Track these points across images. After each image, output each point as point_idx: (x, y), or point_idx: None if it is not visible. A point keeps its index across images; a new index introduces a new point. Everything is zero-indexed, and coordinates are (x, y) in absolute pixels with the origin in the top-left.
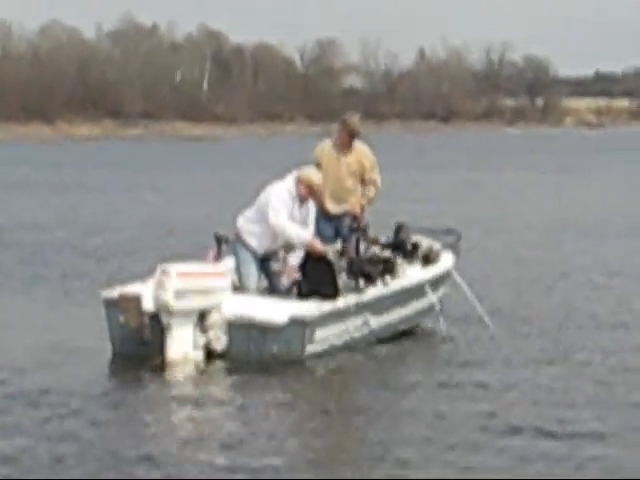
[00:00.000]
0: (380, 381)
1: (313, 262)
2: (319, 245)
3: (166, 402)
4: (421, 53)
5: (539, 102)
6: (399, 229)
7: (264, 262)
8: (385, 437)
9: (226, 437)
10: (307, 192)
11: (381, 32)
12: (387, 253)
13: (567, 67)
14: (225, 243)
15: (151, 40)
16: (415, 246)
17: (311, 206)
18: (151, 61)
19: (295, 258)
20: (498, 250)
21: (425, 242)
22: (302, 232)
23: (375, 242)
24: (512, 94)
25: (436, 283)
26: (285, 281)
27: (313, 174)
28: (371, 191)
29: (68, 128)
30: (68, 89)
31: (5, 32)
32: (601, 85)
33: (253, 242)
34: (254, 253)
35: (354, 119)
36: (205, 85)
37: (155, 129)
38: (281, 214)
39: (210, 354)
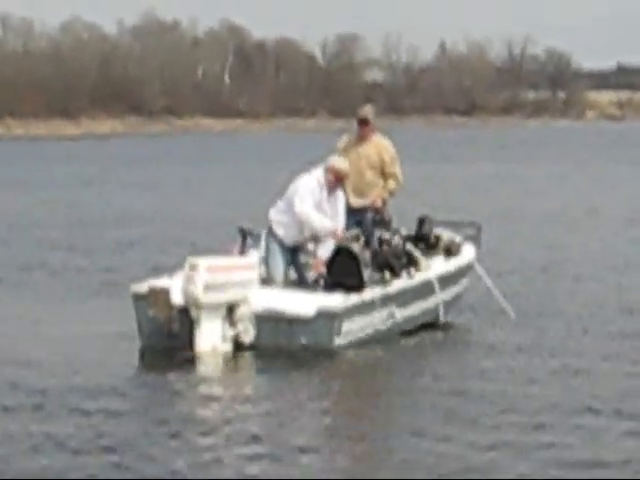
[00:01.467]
0: (409, 372)
1: (338, 254)
2: (342, 234)
3: (195, 395)
4: (442, 47)
5: (561, 95)
6: (422, 222)
7: (293, 253)
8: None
9: (255, 430)
10: (335, 179)
11: (402, 26)
12: (410, 246)
13: (589, 60)
14: (250, 236)
15: (173, 35)
16: (437, 239)
17: (340, 196)
18: (173, 57)
19: (325, 251)
20: (520, 241)
21: (446, 235)
22: (325, 220)
23: (396, 235)
24: (534, 87)
25: (459, 275)
26: (312, 274)
27: (340, 161)
28: (391, 184)
29: (91, 124)
30: (90, 86)
31: (26, 29)
32: (623, 78)
33: (281, 232)
34: (282, 244)
35: (364, 107)
36: (227, 80)
37: (178, 125)
38: (306, 202)
39: (239, 346)
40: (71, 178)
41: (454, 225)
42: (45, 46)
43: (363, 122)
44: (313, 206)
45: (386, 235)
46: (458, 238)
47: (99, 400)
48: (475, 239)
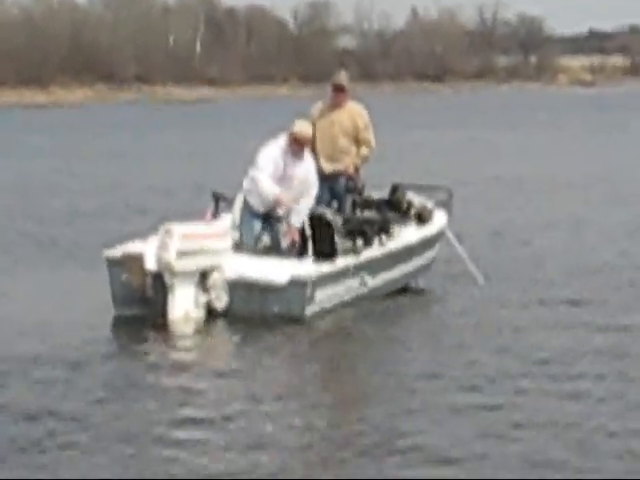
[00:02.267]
0: (378, 336)
1: (311, 221)
2: (286, 199)
3: (166, 362)
4: (414, 13)
5: (533, 60)
6: (395, 189)
7: (267, 220)
8: (389, 389)
9: (223, 397)
10: (297, 144)
11: None
12: (382, 213)
13: (561, 25)
14: (222, 200)
15: (144, 4)
16: (409, 205)
17: (309, 163)
18: (144, 25)
19: (297, 219)
20: (489, 207)
21: (418, 200)
22: (273, 187)
23: (369, 200)
24: (506, 53)
25: (430, 242)
26: (284, 242)
27: (301, 125)
28: (364, 151)
29: (62, 93)
30: (61, 54)
31: None
32: (595, 43)
33: (252, 200)
34: (255, 211)
35: (339, 74)
36: (198, 48)
37: (149, 92)
38: (262, 170)
39: (211, 313)
40: (38, 147)
41: (426, 189)
42: (16, 15)
43: (338, 88)
44: (274, 173)
45: (358, 201)
46: (430, 204)
47: (64, 369)
48: (446, 205)
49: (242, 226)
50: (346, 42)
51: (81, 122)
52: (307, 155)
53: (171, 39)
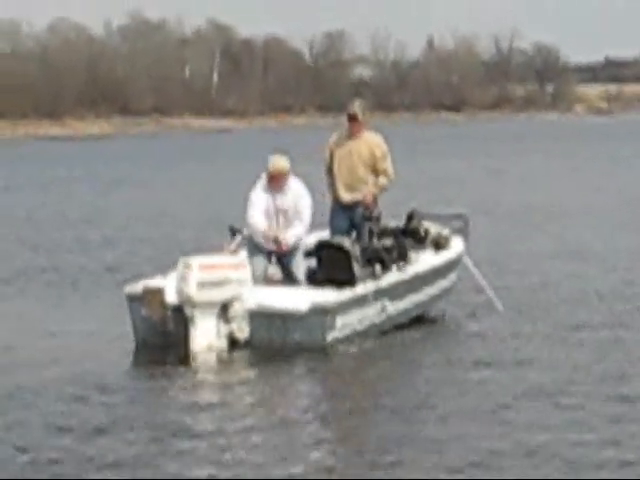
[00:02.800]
0: (400, 366)
1: (329, 250)
2: (272, 233)
3: (189, 392)
4: (430, 43)
5: (549, 89)
6: (411, 217)
7: (271, 254)
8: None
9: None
10: (274, 180)
11: (390, 23)
12: (399, 240)
13: (577, 54)
14: (239, 234)
15: (160, 35)
16: (426, 232)
17: (295, 190)
18: (160, 56)
19: (291, 235)
20: (508, 234)
21: (434, 228)
22: (260, 223)
23: (386, 229)
24: (522, 82)
25: (448, 268)
26: (299, 273)
27: (272, 161)
28: (382, 180)
29: (78, 125)
30: (77, 86)
31: (14, 30)
32: (611, 71)
33: (255, 236)
34: (259, 246)
35: (352, 104)
36: (215, 79)
37: (166, 124)
38: (250, 210)
39: (234, 343)
40: (54, 179)
41: (442, 218)
42: (32, 47)
43: (352, 118)
44: (265, 212)
45: (376, 229)
46: (446, 231)
47: (90, 398)
48: (463, 231)
49: (250, 261)
50: (362, 72)
51: (97, 154)
52: (291, 184)
53: (188, 70)
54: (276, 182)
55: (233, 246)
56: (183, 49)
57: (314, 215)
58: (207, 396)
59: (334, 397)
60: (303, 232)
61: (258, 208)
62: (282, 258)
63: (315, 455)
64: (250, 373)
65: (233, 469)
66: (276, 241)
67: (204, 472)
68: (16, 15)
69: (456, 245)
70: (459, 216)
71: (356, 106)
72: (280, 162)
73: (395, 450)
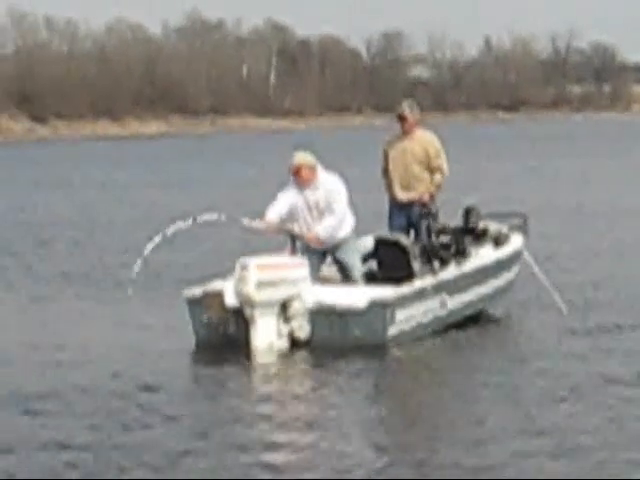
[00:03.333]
0: (459, 368)
1: (386, 248)
2: (270, 226)
3: (252, 393)
4: (487, 43)
5: (607, 89)
6: (468, 212)
7: (327, 254)
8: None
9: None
10: (296, 175)
11: (447, 22)
12: (458, 237)
13: (634, 53)
14: (298, 240)
15: (217, 35)
16: (484, 230)
17: (324, 184)
18: (217, 56)
19: (322, 229)
20: (568, 234)
21: (493, 226)
22: (254, 222)
23: (445, 228)
24: (579, 81)
25: (508, 263)
26: (356, 272)
27: (295, 157)
28: (438, 178)
29: (136, 125)
30: (135, 86)
31: (71, 31)
32: None
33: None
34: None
35: (402, 103)
36: (272, 79)
37: (223, 124)
38: (269, 207)
39: (295, 343)
40: (113, 179)
41: (500, 217)
42: (90, 47)
43: (401, 118)
44: (290, 208)
45: (434, 226)
46: (505, 228)
47: (156, 400)
48: (523, 229)
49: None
50: (419, 72)
51: (156, 154)
52: (320, 177)
53: (245, 70)
54: (301, 177)
55: (289, 251)
56: (240, 49)
57: (372, 216)
58: (266, 396)
59: (390, 398)
60: (335, 223)
61: (278, 205)
62: (335, 255)
63: (365, 456)
64: (310, 373)
65: (286, 471)
66: (302, 237)
67: (260, 473)
68: (74, 15)
69: (515, 241)
70: (518, 215)
71: (404, 106)
72: (300, 156)
73: (445, 452)
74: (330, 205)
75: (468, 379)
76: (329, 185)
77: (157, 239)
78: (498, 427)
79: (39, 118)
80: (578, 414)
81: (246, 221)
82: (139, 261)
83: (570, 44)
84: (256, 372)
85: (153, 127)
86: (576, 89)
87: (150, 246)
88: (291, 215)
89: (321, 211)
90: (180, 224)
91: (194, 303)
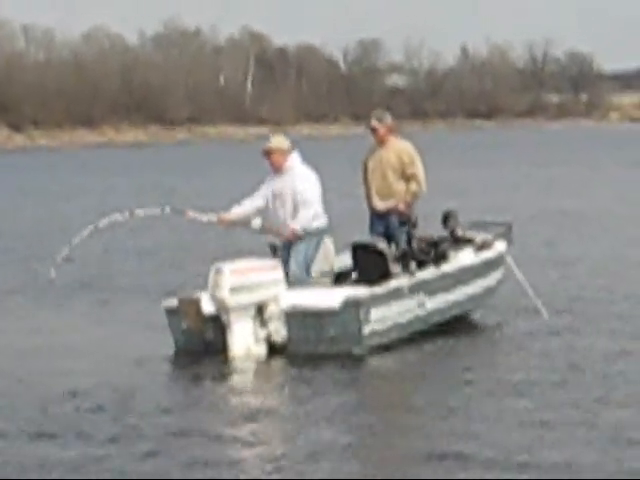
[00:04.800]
0: (436, 377)
1: (364, 252)
2: (224, 219)
3: (227, 400)
4: (464, 51)
5: (583, 98)
6: (447, 216)
7: (289, 250)
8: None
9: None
10: (266, 157)
11: (424, 31)
12: (438, 241)
13: (611, 62)
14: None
15: (194, 44)
16: (469, 240)
17: (294, 174)
18: (194, 65)
19: (297, 222)
20: (546, 241)
21: (479, 236)
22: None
23: (425, 237)
24: (556, 90)
25: (489, 266)
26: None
27: (269, 140)
28: (413, 186)
29: (113, 133)
30: (112, 95)
31: (48, 39)
32: None
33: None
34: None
35: (371, 116)
36: (249, 87)
37: (200, 132)
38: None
39: (272, 348)
40: (88, 187)
41: (484, 226)
42: (67, 56)
43: (372, 130)
44: (264, 195)
45: (413, 233)
46: (489, 237)
47: (125, 400)
48: (506, 236)
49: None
50: (396, 80)
51: (133, 162)
52: (292, 168)
53: (222, 79)
54: (271, 160)
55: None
56: (217, 57)
57: (353, 223)
58: (240, 403)
59: (370, 406)
60: (310, 214)
61: (252, 198)
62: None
63: (345, 462)
64: (285, 380)
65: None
66: (257, 230)
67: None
68: (51, 23)
69: (498, 246)
70: (502, 223)
71: (372, 118)
72: (274, 140)
73: (421, 463)
74: (297, 195)
75: (449, 387)
76: (297, 175)
77: (88, 231)
78: (478, 439)
79: (16, 127)
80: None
81: (191, 214)
82: (66, 249)
83: (547, 53)
84: (230, 380)
85: (130, 135)
86: (553, 98)
87: (80, 238)
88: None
89: (283, 200)
90: (116, 216)
91: (172, 313)
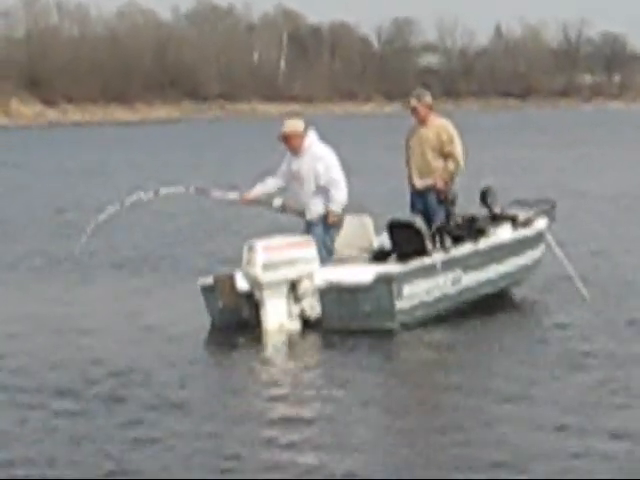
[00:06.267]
0: (475, 354)
1: (400, 230)
2: (246, 198)
3: (259, 379)
4: (498, 31)
5: (617, 79)
6: (485, 193)
7: (309, 228)
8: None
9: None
10: (284, 142)
11: (458, 10)
12: (476, 217)
13: None
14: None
15: (228, 21)
16: (509, 217)
17: (312, 155)
18: (228, 42)
19: (333, 205)
20: (592, 221)
21: (522, 214)
22: (228, 194)
23: (466, 217)
24: (589, 71)
25: (528, 243)
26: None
27: (284, 124)
28: (450, 165)
29: (146, 110)
30: (146, 71)
31: (83, 15)
32: None
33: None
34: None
35: (411, 96)
36: (282, 65)
37: (233, 110)
38: (268, 177)
39: (306, 323)
40: (126, 164)
41: (527, 203)
42: (101, 32)
43: (412, 110)
44: (284, 174)
45: (453, 211)
46: (531, 213)
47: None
48: (549, 214)
49: None
50: (429, 60)
51: (166, 139)
52: (310, 148)
53: (255, 56)
54: (288, 145)
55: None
56: (251, 35)
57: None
58: (272, 382)
59: (399, 386)
60: (342, 193)
61: (273, 177)
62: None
63: (371, 449)
64: (319, 357)
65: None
66: (277, 209)
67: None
68: (84, 0)
69: (538, 223)
70: (546, 201)
71: (412, 98)
72: (288, 124)
73: (448, 448)
74: (320, 177)
75: (484, 369)
76: (315, 154)
77: (114, 208)
78: (513, 424)
79: (49, 102)
80: (604, 403)
81: (217, 193)
82: (92, 226)
83: (581, 33)
84: (263, 356)
85: (163, 112)
86: (586, 78)
87: (105, 215)
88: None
89: (301, 182)
90: (141, 195)
91: (208, 291)
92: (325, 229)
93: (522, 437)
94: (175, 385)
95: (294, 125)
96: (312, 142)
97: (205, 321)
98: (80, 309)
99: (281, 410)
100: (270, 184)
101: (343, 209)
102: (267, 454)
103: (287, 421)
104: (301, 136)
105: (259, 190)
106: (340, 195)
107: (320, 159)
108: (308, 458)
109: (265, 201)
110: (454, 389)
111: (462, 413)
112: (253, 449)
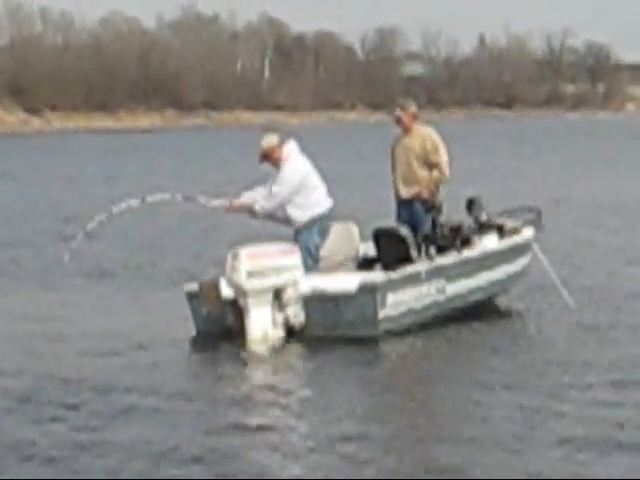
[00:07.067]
0: (453, 365)
1: (385, 238)
2: (234, 205)
3: (243, 385)
4: (482, 40)
5: (600, 88)
6: (471, 202)
7: (295, 235)
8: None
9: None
10: (262, 158)
11: (442, 19)
12: (462, 227)
13: (628, 53)
14: None
15: (212, 29)
16: (494, 225)
17: (283, 169)
18: (212, 50)
19: (259, 204)
20: (575, 230)
21: (509, 223)
22: (216, 201)
23: (452, 226)
24: (573, 80)
25: (513, 252)
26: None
27: (261, 141)
28: (435, 174)
29: (130, 118)
30: (130, 79)
31: (66, 23)
32: None
33: None
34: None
35: (398, 101)
36: (266, 74)
37: (217, 118)
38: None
39: (290, 330)
40: (105, 172)
41: (514, 212)
42: (85, 40)
43: (397, 120)
44: (269, 183)
45: (438, 219)
46: (517, 223)
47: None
48: (535, 223)
49: None
50: (413, 69)
51: (149, 147)
52: (287, 157)
53: (239, 65)
54: (269, 161)
55: None
56: (235, 44)
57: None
58: (255, 389)
59: (381, 393)
60: (267, 206)
61: (262, 186)
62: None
63: (356, 451)
64: (303, 364)
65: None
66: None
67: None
68: (69, 7)
69: (524, 233)
70: (531, 209)
71: (396, 108)
72: (263, 142)
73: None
74: (274, 185)
75: (466, 374)
76: (286, 167)
77: (102, 217)
78: (496, 426)
79: (33, 110)
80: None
81: (204, 200)
82: (80, 235)
83: (565, 43)
84: (245, 364)
85: (147, 120)
86: (570, 88)
87: (93, 224)
88: None
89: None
90: (130, 202)
91: (193, 297)
92: (305, 238)
93: (502, 450)
94: (151, 392)
95: (268, 142)
96: (291, 152)
97: (189, 328)
98: (62, 318)
99: (262, 418)
100: (258, 192)
101: (321, 216)
102: (246, 460)
103: (268, 428)
104: (277, 148)
105: (247, 198)
106: (267, 203)
107: (283, 172)
108: (289, 464)
109: (252, 208)
110: (436, 398)
111: (444, 421)
112: (231, 455)
